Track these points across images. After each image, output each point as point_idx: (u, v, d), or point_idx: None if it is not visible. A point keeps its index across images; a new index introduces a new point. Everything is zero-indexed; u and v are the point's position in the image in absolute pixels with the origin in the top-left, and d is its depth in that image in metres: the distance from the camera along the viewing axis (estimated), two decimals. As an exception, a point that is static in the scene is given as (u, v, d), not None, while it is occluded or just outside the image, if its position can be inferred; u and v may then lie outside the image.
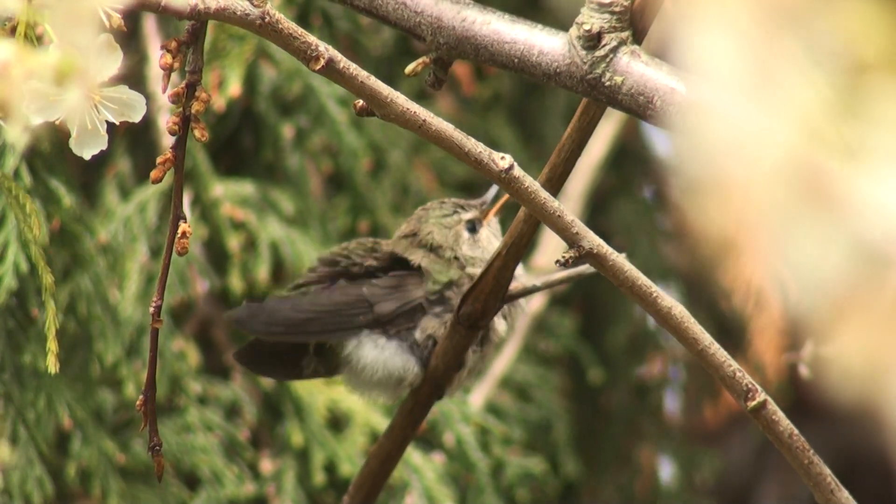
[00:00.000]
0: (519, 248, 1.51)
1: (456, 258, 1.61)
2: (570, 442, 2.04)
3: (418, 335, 1.58)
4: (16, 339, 1.75)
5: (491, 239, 1.63)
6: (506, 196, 1.62)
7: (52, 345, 1.44)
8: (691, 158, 1.18)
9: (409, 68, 1.34)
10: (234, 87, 1.95)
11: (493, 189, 1.63)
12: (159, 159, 1.33)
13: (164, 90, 1.34)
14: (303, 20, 1.97)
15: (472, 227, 1.63)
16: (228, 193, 1.95)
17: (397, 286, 1.60)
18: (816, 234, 0.94)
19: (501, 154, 1.30)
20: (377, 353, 1.58)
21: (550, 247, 1.99)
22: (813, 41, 0.94)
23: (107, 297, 1.84)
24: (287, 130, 1.98)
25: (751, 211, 0.96)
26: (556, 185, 1.46)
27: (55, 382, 1.77)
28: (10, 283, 1.72)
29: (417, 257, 1.61)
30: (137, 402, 1.33)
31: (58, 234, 1.79)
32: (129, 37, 1.93)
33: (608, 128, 2.04)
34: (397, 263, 1.61)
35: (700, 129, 1.13)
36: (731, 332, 2.15)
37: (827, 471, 1.26)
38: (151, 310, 1.32)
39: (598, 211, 2.12)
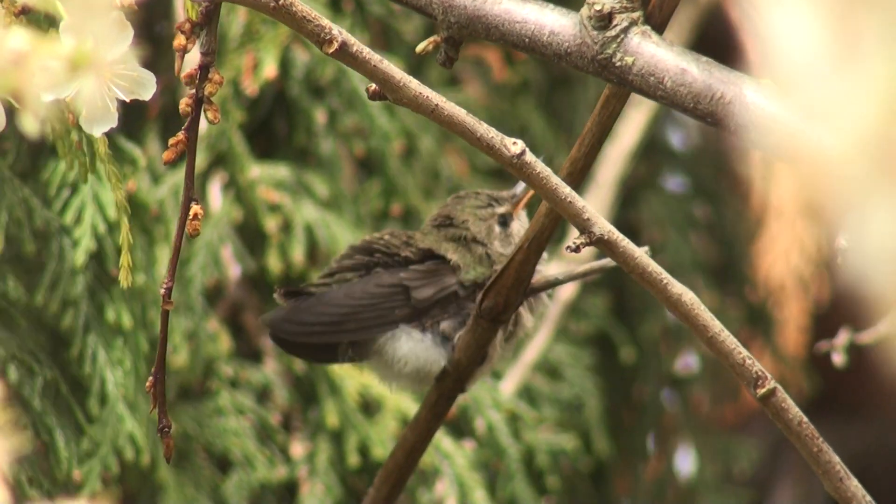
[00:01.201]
0: (541, 243, 1.50)
1: (487, 255, 1.60)
2: (602, 420, 2.03)
3: (447, 326, 1.58)
4: (98, 299, 1.76)
5: (522, 233, 1.62)
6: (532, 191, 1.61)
7: (125, 259, 1.44)
8: (768, 132, 1.16)
9: (420, 47, 1.33)
10: (270, 69, 1.94)
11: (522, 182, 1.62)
12: (171, 140, 1.33)
13: (178, 71, 1.34)
14: (335, 5, 1.97)
15: (504, 221, 1.62)
16: (264, 176, 1.95)
17: (434, 272, 1.59)
18: (893, 209, 0.92)
19: (513, 139, 1.29)
20: (410, 346, 1.58)
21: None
22: (892, 14, 0.93)
23: (156, 264, 1.85)
24: (320, 115, 1.97)
25: (828, 185, 0.94)
26: (576, 179, 1.44)
27: (139, 340, 1.78)
28: (88, 244, 1.73)
29: (450, 253, 1.60)
30: (147, 384, 1.33)
31: (131, 197, 1.79)
32: (159, 22, 1.94)
33: (639, 116, 2.02)
34: (430, 257, 1.60)
35: (779, 103, 1.11)
36: (760, 323, 2.13)
37: (836, 459, 1.24)
38: (162, 291, 1.32)
39: (628, 203, 2.10)
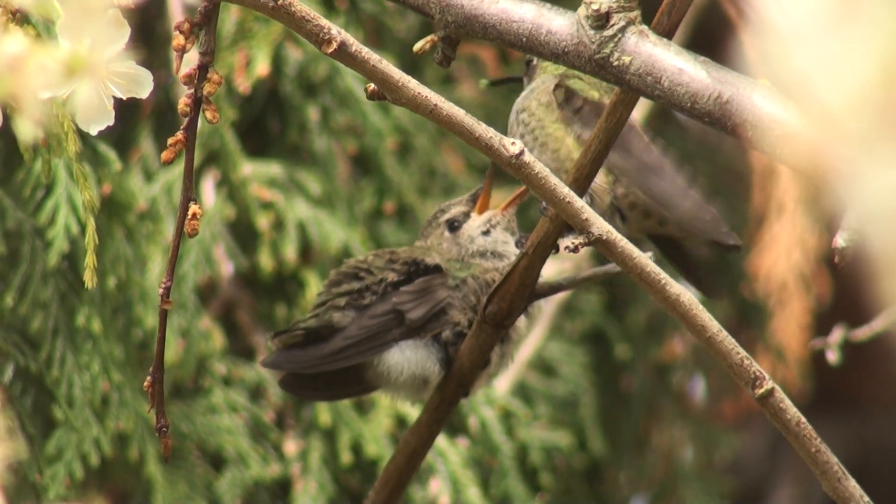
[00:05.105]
0: (545, 248, 1.50)
1: (458, 258, 1.62)
2: (597, 417, 2.03)
3: (444, 334, 1.59)
4: (69, 302, 1.75)
5: (472, 234, 1.62)
6: (486, 184, 1.62)
7: (90, 259, 1.44)
8: (766, 132, 1.16)
9: (418, 46, 1.33)
10: (262, 67, 1.94)
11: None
12: (170, 140, 1.33)
13: (177, 71, 1.34)
14: (328, 3, 1.96)
15: (452, 225, 1.63)
16: (256, 174, 1.95)
17: (425, 290, 1.60)
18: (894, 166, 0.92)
19: (512, 139, 1.29)
20: (400, 354, 1.59)
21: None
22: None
23: (145, 262, 1.85)
24: (313, 113, 1.97)
25: (829, 143, 0.94)
26: (582, 185, 1.45)
27: (107, 344, 1.78)
28: (61, 246, 1.72)
29: (433, 259, 1.61)
30: (145, 384, 1.33)
31: (107, 198, 1.79)
32: (154, 20, 1.94)
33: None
34: (416, 274, 1.61)
35: (782, 62, 1.11)
36: (753, 319, 2.13)
37: (834, 459, 1.24)
38: (160, 291, 1.32)
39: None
